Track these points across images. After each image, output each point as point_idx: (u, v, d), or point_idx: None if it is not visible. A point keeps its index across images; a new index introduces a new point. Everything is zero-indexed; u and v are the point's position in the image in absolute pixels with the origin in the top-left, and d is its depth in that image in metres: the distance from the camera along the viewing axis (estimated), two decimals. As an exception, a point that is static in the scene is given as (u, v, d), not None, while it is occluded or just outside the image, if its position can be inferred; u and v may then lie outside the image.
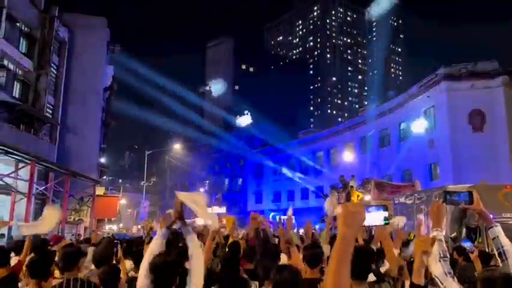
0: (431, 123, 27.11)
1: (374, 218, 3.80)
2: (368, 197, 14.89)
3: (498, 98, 24.60)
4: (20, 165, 17.75)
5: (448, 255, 2.10)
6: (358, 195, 16.23)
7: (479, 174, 17.58)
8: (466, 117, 24.78)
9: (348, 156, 33.81)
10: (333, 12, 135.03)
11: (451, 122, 24.98)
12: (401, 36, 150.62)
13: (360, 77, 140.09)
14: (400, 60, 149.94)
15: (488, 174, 19.18)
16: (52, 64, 25.33)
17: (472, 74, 25.30)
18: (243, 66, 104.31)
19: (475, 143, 24.02)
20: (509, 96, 24.84)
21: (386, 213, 3.74)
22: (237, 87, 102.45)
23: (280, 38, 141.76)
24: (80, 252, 4.11)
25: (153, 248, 2.73)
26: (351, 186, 16.46)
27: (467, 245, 6.62)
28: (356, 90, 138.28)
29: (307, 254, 3.60)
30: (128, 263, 5.00)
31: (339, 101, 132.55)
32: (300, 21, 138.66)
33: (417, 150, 27.73)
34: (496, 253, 2.16)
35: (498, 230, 2.19)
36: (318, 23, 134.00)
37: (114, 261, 3.89)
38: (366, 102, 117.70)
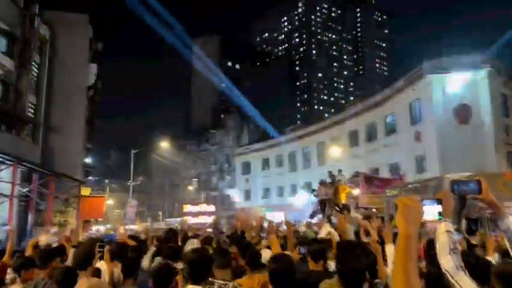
0: (417, 116, 27.31)
1: (428, 212, 3.54)
2: (356, 191, 14.85)
3: (482, 90, 24.87)
4: (2, 166, 17.27)
5: (459, 248, 1.96)
6: (345, 189, 16.20)
7: (466, 166, 17.72)
8: (451, 109, 25.00)
9: (336, 150, 33.89)
10: (318, 8, 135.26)
11: (436, 114, 25.18)
12: (386, 31, 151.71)
13: (345, 72, 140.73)
14: (385, 55, 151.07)
15: (474, 165, 19.36)
16: (33, 63, 24.72)
17: (456, 66, 25.52)
18: (229, 63, 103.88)
19: (461, 135, 24.26)
20: (494, 88, 25.15)
21: (440, 208, 3.54)
22: (223, 85, 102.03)
23: (266, 34, 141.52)
24: (55, 252, 3.99)
25: None
26: (339, 181, 16.41)
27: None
28: (341, 86, 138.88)
29: (312, 249, 3.72)
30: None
31: (325, 97, 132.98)
32: (285, 18, 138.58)
33: (404, 143, 27.96)
34: (508, 245, 2.04)
35: (510, 221, 2.06)
36: (303, 19, 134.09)
37: (97, 264, 3.71)
38: (352, 98, 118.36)
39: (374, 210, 12.73)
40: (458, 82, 25.02)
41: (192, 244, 5.57)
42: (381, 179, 14.39)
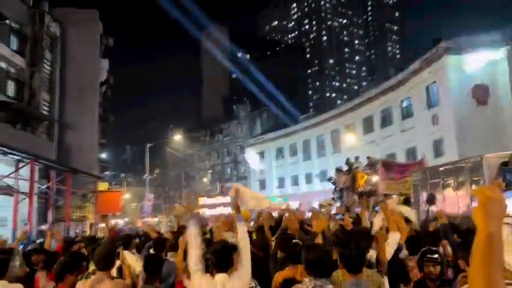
0: (434, 99, 26.68)
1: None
2: (375, 178, 14.56)
3: (501, 70, 24.08)
4: (20, 164, 17.43)
5: None
6: (363, 177, 15.93)
7: (485, 148, 17.23)
8: (469, 90, 24.28)
9: (350, 137, 33.45)
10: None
11: (454, 96, 24.51)
12: (397, 14, 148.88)
13: (357, 57, 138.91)
14: (397, 38, 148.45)
15: (494, 147, 18.82)
16: (45, 60, 24.83)
17: (474, 46, 24.75)
18: (239, 54, 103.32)
19: (480, 116, 23.59)
20: (513, 68, 24.33)
21: None
22: (234, 76, 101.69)
23: (275, 22, 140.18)
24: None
25: (194, 241, 3.20)
26: (356, 168, 16.14)
27: None
28: (354, 72, 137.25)
29: (335, 240, 3.51)
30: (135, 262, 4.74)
31: (337, 84, 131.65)
32: (295, 5, 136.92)
33: (421, 128, 27.40)
34: None
35: None
36: (313, 5, 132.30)
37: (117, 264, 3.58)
38: (364, 83, 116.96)
39: (394, 196, 12.43)
40: (476, 62, 24.25)
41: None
42: (400, 164, 13.98)
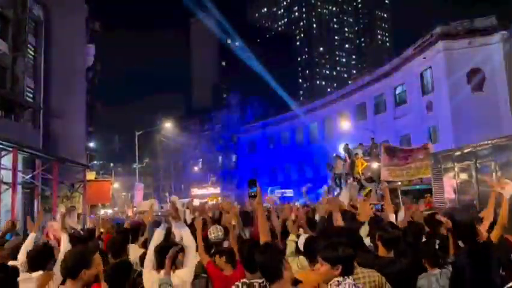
0: (429, 86, 26.40)
1: None
2: (375, 165, 14.13)
3: (497, 55, 23.87)
4: (2, 153, 16.61)
5: None
6: (363, 164, 15.54)
7: (481, 134, 16.96)
8: (464, 76, 24.05)
9: (343, 125, 33.08)
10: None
11: (449, 82, 24.25)
12: (386, 1, 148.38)
13: (347, 45, 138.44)
14: (386, 26, 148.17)
15: (490, 133, 18.58)
16: (29, 45, 23.76)
17: (469, 31, 24.43)
18: (229, 41, 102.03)
19: (475, 102, 23.39)
20: (508, 53, 24.09)
21: None
22: (223, 63, 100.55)
23: (264, 9, 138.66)
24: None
25: (157, 238, 3.68)
26: (356, 154, 15.73)
27: None
28: (344, 60, 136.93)
29: (384, 235, 3.47)
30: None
31: (327, 72, 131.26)
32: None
33: (415, 114, 27.14)
34: None
35: None
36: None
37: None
38: (354, 71, 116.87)
39: (399, 183, 12.02)
40: (471, 47, 24.00)
41: (216, 230, 4.93)
42: (404, 150, 13.51)
